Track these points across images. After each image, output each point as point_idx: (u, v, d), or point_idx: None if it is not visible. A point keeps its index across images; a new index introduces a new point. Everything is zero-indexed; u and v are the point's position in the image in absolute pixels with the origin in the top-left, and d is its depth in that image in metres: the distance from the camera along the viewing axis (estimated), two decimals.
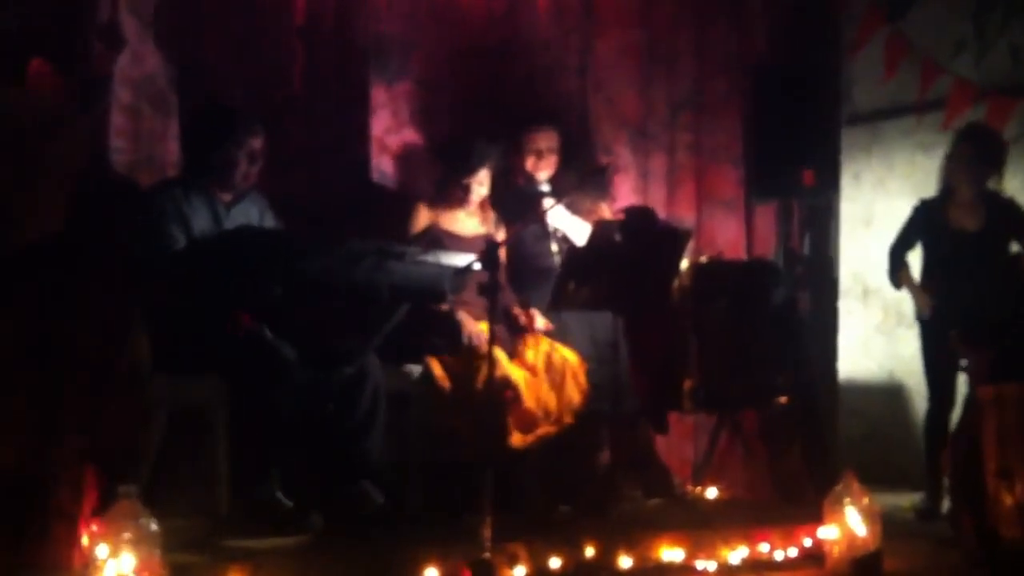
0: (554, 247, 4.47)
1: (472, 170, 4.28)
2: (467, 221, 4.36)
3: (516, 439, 3.95)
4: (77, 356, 3.26)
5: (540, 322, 4.28)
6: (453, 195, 4.32)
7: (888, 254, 4.69)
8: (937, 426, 4.58)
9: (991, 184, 4.55)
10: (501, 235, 4.33)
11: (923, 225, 4.63)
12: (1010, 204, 4.58)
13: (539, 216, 4.38)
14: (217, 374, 3.57)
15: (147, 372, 3.53)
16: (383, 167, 4.61)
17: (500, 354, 3.88)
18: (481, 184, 4.31)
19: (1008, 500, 3.71)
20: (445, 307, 4.06)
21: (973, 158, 4.52)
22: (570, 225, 4.48)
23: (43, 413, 3.21)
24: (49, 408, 3.25)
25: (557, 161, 4.57)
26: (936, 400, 4.60)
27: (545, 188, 4.51)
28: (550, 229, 4.48)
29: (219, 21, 4.27)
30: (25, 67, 3.57)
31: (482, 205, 4.37)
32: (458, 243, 4.18)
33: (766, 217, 5.23)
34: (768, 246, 5.19)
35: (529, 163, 4.55)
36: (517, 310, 4.31)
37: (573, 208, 4.52)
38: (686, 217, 5.08)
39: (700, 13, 5.21)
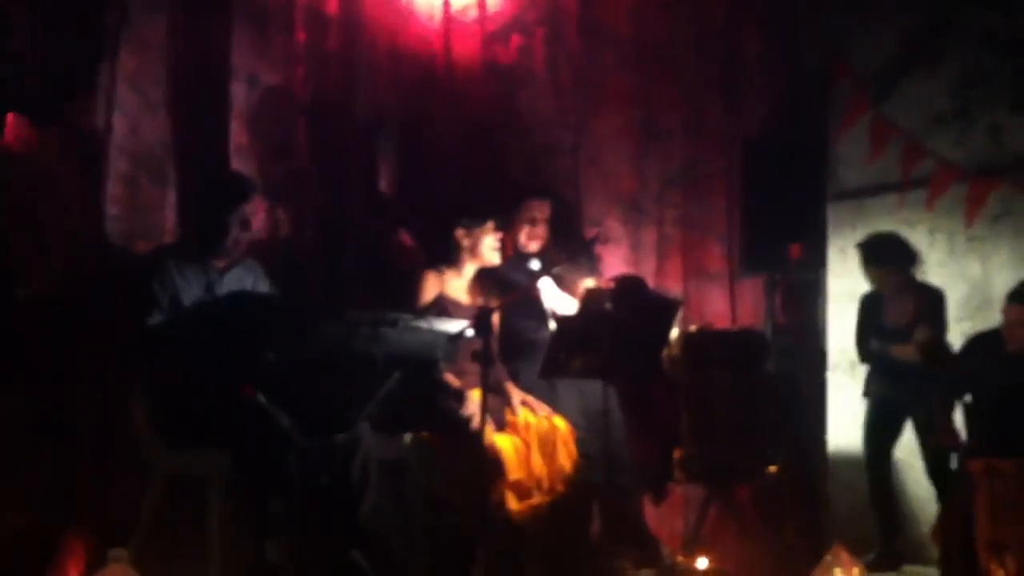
0: (551, 324, 4.38)
1: (481, 218, 4.30)
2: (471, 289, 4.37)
3: (512, 504, 3.93)
4: (77, 419, 3.26)
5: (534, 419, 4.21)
6: (460, 254, 4.33)
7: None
8: None
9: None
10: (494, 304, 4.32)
11: None
12: None
13: (530, 291, 4.35)
14: (215, 443, 3.55)
15: (146, 437, 3.52)
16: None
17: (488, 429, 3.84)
18: (490, 245, 4.32)
19: (1000, 574, 3.70)
20: (456, 382, 4.06)
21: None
22: (559, 301, 4.47)
23: (47, 480, 3.19)
24: (54, 476, 3.23)
25: (547, 233, 4.62)
26: None
27: (535, 265, 4.50)
28: (544, 307, 4.44)
29: (223, 98, 4.35)
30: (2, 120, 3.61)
31: (478, 274, 4.37)
32: (463, 312, 4.16)
33: (753, 290, 5.30)
34: (755, 318, 5.25)
35: (523, 233, 4.59)
36: (525, 397, 4.25)
37: (563, 284, 4.53)
38: (674, 289, 5.15)
39: (694, 94, 5.36)
